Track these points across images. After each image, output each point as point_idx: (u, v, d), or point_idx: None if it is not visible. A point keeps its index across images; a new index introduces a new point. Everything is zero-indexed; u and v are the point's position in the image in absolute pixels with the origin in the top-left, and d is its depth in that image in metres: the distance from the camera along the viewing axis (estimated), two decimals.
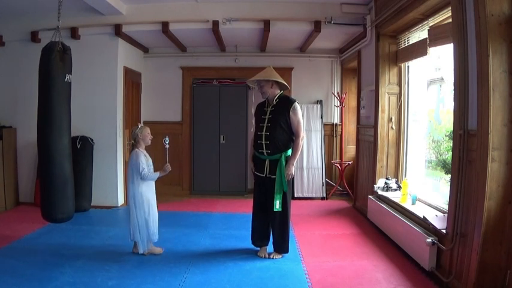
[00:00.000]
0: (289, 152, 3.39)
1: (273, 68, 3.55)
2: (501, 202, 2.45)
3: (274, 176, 3.34)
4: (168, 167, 3.43)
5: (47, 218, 3.35)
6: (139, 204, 3.34)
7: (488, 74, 2.43)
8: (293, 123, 3.36)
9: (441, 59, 3.81)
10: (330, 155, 6.41)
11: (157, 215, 3.47)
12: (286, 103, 3.39)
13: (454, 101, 2.85)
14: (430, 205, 3.65)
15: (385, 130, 4.54)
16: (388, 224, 3.88)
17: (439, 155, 4.08)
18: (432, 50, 3.61)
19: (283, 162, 3.33)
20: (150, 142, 3.45)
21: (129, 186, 3.40)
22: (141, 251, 3.36)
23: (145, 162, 3.34)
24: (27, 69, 4.79)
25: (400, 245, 3.55)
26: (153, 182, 3.48)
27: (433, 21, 3.61)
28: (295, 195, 5.92)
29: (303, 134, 3.39)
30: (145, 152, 3.45)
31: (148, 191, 3.39)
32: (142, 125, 3.47)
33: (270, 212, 3.39)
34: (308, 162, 6.03)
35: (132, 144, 3.43)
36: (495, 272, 2.47)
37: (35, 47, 4.57)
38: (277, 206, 3.30)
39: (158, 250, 3.47)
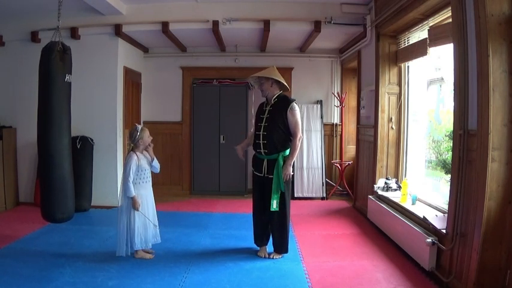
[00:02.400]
0: (287, 151, 3.39)
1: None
2: (501, 202, 2.45)
3: (272, 176, 3.34)
4: (137, 207, 3.27)
5: (47, 218, 3.36)
6: (126, 208, 3.29)
7: (488, 74, 2.42)
8: (291, 123, 3.35)
9: (441, 59, 3.81)
10: (330, 155, 6.41)
11: (147, 221, 3.35)
12: (284, 103, 3.39)
13: (454, 101, 2.85)
14: (430, 205, 3.65)
15: (385, 130, 4.54)
16: (388, 224, 3.88)
17: (439, 155, 4.08)
18: (432, 50, 3.61)
19: (281, 162, 3.33)
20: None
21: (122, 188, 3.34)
22: (117, 253, 3.30)
23: (135, 169, 3.25)
24: (27, 69, 4.78)
25: (400, 245, 3.55)
26: (150, 186, 3.42)
27: (433, 21, 3.61)
28: (295, 195, 5.92)
29: (300, 134, 3.37)
30: (143, 154, 3.38)
31: (139, 196, 3.29)
32: (142, 126, 3.39)
33: (268, 212, 3.39)
34: (308, 162, 6.03)
35: (131, 147, 3.38)
36: (495, 272, 2.47)
37: (35, 47, 4.57)
38: (274, 205, 3.30)
39: (148, 256, 3.39)
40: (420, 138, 4.40)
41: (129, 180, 3.22)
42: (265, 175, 3.39)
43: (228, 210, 5.22)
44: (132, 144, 3.37)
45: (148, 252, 3.43)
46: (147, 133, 3.36)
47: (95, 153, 5.09)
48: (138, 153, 3.33)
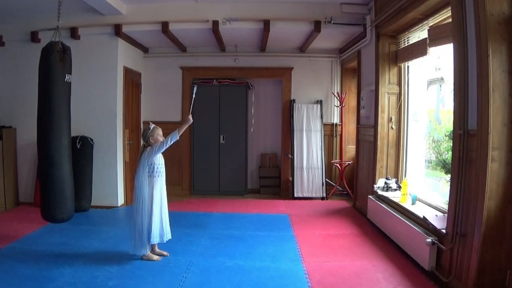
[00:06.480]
0: None
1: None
2: (501, 202, 2.45)
3: None
4: (190, 119, 3.33)
5: (46, 218, 3.36)
6: (142, 205, 3.28)
7: (488, 74, 2.43)
8: None
9: (441, 59, 3.81)
10: (330, 155, 6.41)
11: (163, 215, 3.34)
12: None
13: (454, 101, 2.85)
14: (430, 205, 3.65)
15: (385, 130, 4.54)
16: (388, 224, 3.88)
17: (439, 155, 4.07)
18: (432, 50, 3.61)
19: None
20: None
21: (137, 184, 3.31)
22: (138, 253, 3.29)
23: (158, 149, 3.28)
24: (27, 69, 4.80)
25: (400, 245, 3.55)
26: (164, 181, 3.41)
27: (433, 21, 3.61)
28: (295, 195, 5.93)
29: None
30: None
31: (156, 189, 3.31)
32: (154, 125, 3.38)
33: None
34: (308, 162, 6.03)
35: (143, 145, 3.39)
36: (495, 272, 2.47)
37: (35, 47, 4.57)
38: None
39: (156, 257, 3.37)
40: (420, 138, 4.40)
41: (166, 142, 3.24)
42: None
43: (228, 210, 5.22)
44: (144, 142, 3.37)
45: (162, 254, 3.42)
46: (159, 132, 3.37)
47: (95, 153, 5.09)
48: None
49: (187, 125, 3.37)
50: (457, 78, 2.79)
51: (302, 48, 6.14)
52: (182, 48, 6.18)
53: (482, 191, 2.47)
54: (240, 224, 4.52)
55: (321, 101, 6.28)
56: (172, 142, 3.27)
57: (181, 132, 3.30)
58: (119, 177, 5.24)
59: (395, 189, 4.25)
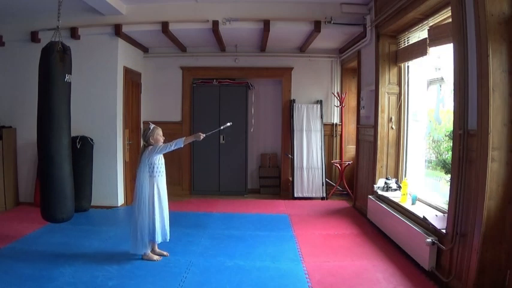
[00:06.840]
0: None
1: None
2: (501, 202, 2.45)
3: None
4: (201, 135, 3.33)
5: (46, 218, 3.36)
6: (143, 203, 3.27)
7: (488, 74, 2.43)
8: None
9: (441, 59, 3.81)
10: (330, 155, 6.41)
11: (156, 216, 3.32)
12: None
13: (454, 101, 2.85)
14: (430, 205, 3.65)
15: (385, 130, 4.54)
16: (388, 224, 3.88)
17: (439, 155, 4.07)
18: (432, 50, 3.61)
19: None
20: (162, 144, 3.38)
21: (137, 184, 3.31)
22: (139, 252, 3.29)
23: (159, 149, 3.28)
24: (27, 69, 4.80)
25: (400, 245, 3.55)
26: (163, 181, 3.40)
27: (433, 21, 3.61)
28: (295, 195, 5.93)
29: None
30: None
31: (157, 188, 3.32)
32: (154, 126, 3.37)
33: None
34: (308, 162, 6.03)
35: (143, 145, 3.39)
36: (495, 272, 2.47)
37: (35, 47, 4.57)
38: None
39: (156, 257, 3.36)
40: (420, 138, 4.40)
41: (167, 145, 3.26)
42: None
43: (228, 210, 5.22)
44: (144, 142, 3.37)
45: (162, 254, 3.41)
46: (158, 132, 3.36)
47: (95, 153, 5.09)
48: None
49: (194, 139, 3.40)
50: (457, 78, 2.79)
51: (302, 48, 6.14)
52: (182, 48, 6.18)
53: (482, 191, 2.47)
54: (240, 224, 4.52)
55: (321, 101, 6.28)
56: (175, 148, 3.29)
57: (186, 143, 3.33)
58: (119, 177, 5.24)
59: (395, 189, 4.25)
